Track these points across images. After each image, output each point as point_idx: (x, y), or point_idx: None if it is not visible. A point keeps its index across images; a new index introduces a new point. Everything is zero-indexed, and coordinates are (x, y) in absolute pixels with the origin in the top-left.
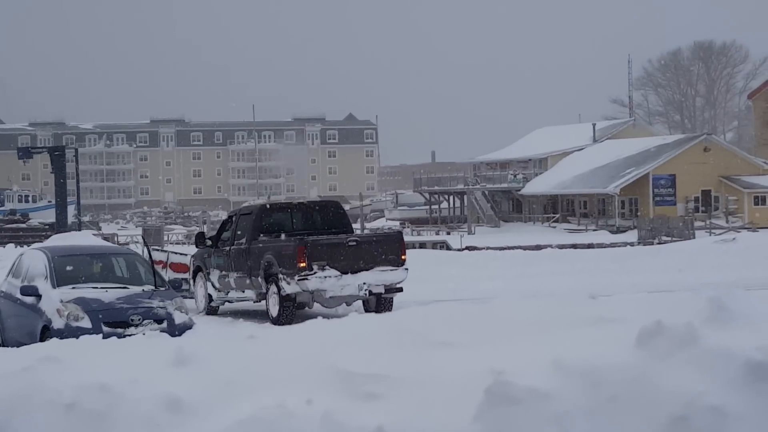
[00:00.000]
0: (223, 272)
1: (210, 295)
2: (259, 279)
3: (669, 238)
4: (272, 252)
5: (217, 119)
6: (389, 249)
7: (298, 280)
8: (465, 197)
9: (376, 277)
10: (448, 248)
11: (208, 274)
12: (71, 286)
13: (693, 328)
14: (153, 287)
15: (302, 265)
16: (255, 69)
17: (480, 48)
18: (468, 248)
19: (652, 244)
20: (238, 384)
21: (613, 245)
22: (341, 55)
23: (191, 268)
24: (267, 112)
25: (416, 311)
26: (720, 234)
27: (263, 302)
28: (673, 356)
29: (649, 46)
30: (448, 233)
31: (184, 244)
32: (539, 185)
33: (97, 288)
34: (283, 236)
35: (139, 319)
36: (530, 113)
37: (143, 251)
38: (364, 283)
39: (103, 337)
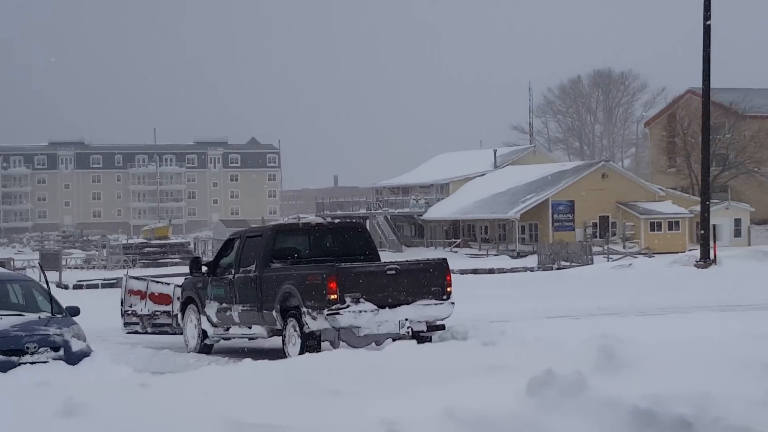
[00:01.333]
0: (224, 305)
1: (204, 332)
2: (274, 313)
3: (568, 263)
4: (293, 282)
5: (118, 142)
6: (433, 279)
7: (328, 315)
8: (367, 222)
9: (419, 313)
10: None
11: (203, 306)
12: None
13: (582, 376)
14: (50, 314)
15: (333, 297)
16: (157, 91)
17: (382, 73)
18: None
19: (552, 269)
20: None
21: (513, 270)
22: (244, 79)
23: (176, 300)
24: (168, 136)
25: (310, 358)
26: (617, 260)
27: (273, 338)
28: (562, 405)
29: (549, 74)
30: None
31: (82, 269)
32: (441, 210)
33: None
34: (301, 262)
35: (35, 347)
36: (432, 138)
37: (40, 277)
38: (406, 320)
39: None
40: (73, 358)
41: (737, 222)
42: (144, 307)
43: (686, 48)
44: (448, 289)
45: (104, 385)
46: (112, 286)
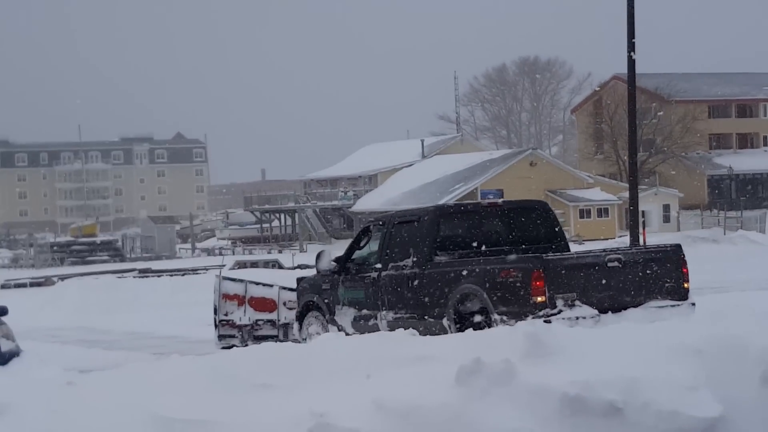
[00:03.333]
0: (364, 311)
1: None
2: (444, 322)
3: None
4: (476, 279)
5: (43, 140)
6: (666, 272)
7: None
8: (296, 215)
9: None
10: (280, 267)
11: (332, 314)
12: None
13: (510, 364)
14: None
15: (540, 300)
16: (80, 88)
17: (307, 64)
18: (300, 266)
19: None
20: None
21: None
22: (168, 74)
23: (281, 305)
24: (94, 132)
25: (236, 352)
26: None
27: None
28: (491, 393)
29: (475, 62)
30: (280, 251)
31: (10, 268)
32: (370, 202)
33: None
34: (472, 254)
35: None
36: (360, 130)
37: None
38: None
39: None
40: (2, 359)
41: (666, 208)
42: (243, 316)
43: (611, 34)
44: (686, 284)
45: (29, 384)
46: (40, 285)
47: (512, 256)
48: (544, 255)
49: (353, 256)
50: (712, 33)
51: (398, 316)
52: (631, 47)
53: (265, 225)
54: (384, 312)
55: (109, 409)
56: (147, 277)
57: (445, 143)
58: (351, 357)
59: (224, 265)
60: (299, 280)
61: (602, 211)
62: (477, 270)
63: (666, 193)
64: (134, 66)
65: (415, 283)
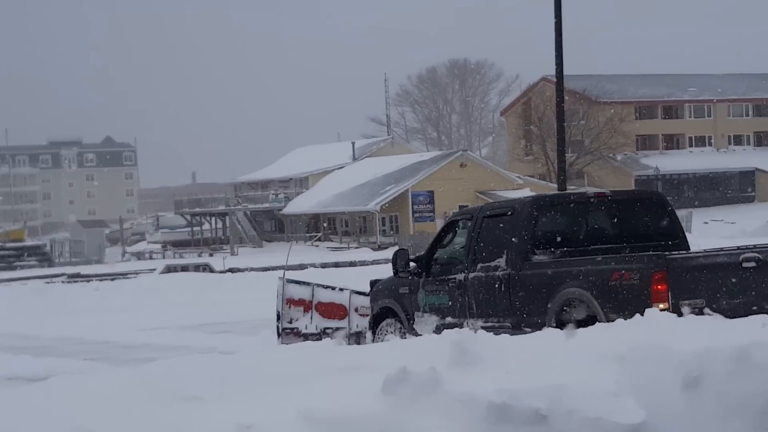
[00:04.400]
0: (448, 319)
1: None
2: None
3: None
4: (582, 281)
5: None
6: None
7: None
8: (227, 218)
9: None
10: (211, 270)
11: (410, 321)
12: None
13: (437, 373)
14: None
15: (662, 307)
16: (7, 91)
17: (238, 67)
18: (231, 270)
19: None
20: None
21: (375, 262)
22: (96, 77)
23: (352, 312)
24: (21, 136)
25: (164, 364)
26: None
27: None
28: (417, 402)
29: (406, 65)
30: (211, 255)
31: None
32: (301, 204)
33: None
34: (575, 253)
35: None
36: (290, 133)
37: None
38: None
39: None
40: None
41: None
42: (310, 323)
43: (540, 36)
44: None
45: None
46: None
47: (628, 255)
48: (667, 254)
49: (435, 255)
50: (638, 35)
51: (489, 324)
52: (559, 49)
53: (195, 228)
54: (472, 320)
55: (30, 422)
56: (76, 282)
57: (376, 145)
58: (279, 368)
59: (285, 268)
60: (373, 282)
61: None
62: (584, 271)
63: None
64: (63, 69)
65: (509, 286)
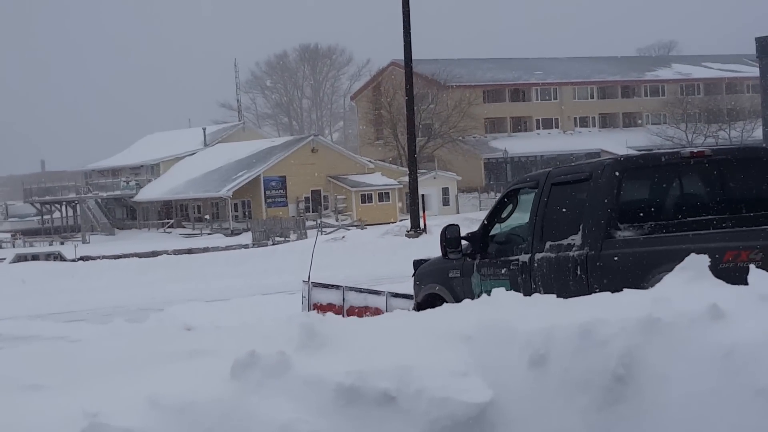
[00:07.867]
0: None
1: None
2: None
3: (282, 239)
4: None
5: None
6: None
7: None
8: (78, 206)
9: None
10: (63, 259)
11: None
12: None
13: (285, 356)
14: None
15: None
16: None
17: (84, 53)
18: (83, 258)
19: (267, 245)
20: None
21: (228, 248)
22: None
23: (383, 302)
24: None
25: (5, 353)
26: (330, 232)
27: None
28: (265, 386)
29: (256, 50)
30: (62, 243)
31: None
32: (152, 191)
33: None
34: (671, 227)
35: None
36: (140, 119)
37: None
38: None
39: None
40: None
41: (445, 191)
42: None
43: (389, 20)
44: None
45: None
46: None
47: (746, 229)
48: None
49: (493, 232)
50: (487, 19)
51: None
52: (407, 33)
53: (46, 217)
54: None
55: None
56: None
57: (227, 131)
58: (125, 353)
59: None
60: (417, 264)
61: (383, 196)
62: (685, 250)
63: (445, 177)
64: None
65: (587, 269)
